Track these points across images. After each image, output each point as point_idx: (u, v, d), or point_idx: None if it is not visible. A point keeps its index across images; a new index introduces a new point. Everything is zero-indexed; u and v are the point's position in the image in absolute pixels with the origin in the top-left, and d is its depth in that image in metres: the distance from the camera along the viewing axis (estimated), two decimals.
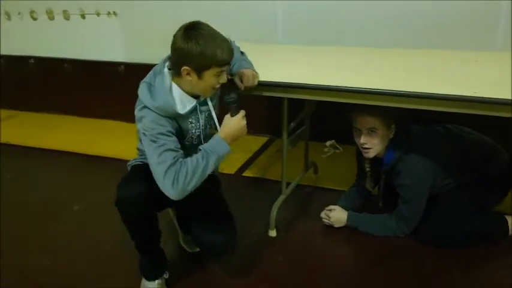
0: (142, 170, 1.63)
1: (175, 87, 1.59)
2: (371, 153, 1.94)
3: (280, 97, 1.93)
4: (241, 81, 1.79)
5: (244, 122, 1.63)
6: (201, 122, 1.68)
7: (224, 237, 1.71)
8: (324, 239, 2.11)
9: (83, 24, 3.58)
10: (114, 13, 3.47)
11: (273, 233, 2.10)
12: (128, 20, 3.47)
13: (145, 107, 1.54)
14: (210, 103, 1.69)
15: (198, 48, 1.47)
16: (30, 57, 3.91)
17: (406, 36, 2.70)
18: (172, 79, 1.60)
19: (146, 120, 1.53)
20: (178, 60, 1.52)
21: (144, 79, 1.62)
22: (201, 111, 1.67)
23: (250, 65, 1.87)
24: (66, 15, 3.63)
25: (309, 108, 2.33)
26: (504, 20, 2.51)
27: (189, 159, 1.51)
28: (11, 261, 1.99)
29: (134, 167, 1.75)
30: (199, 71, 1.52)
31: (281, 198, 2.17)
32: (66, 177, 2.85)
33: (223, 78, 1.58)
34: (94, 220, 2.32)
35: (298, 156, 2.50)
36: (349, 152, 2.32)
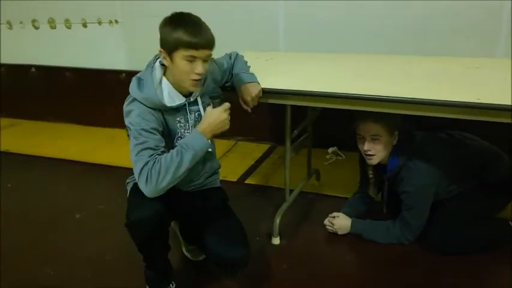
0: None
1: (165, 81, 1.58)
2: (374, 160, 1.94)
3: (283, 104, 1.93)
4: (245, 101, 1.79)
5: (225, 115, 1.58)
6: (190, 122, 1.64)
7: (244, 250, 1.64)
8: (327, 246, 2.10)
9: (85, 33, 3.60)
10: (116, 21, 3.49)
11: (276, 241, 2.09)
12: (129, 28, 3.48)
13: (134, 99, 1.52)
14: (199, 102, 1.66)
15: (168, 28, 1.49)
16: (31, 66, 3.92)
17: (407, 43, 2.71)
18: (164, 74, 1.59)
19: (133, 114, 1.51)
20: (160, 43, 1.53)
21: (137, 74, 1.61)
22: (190, 111, 1.63)
23: (251, 77, 1.84)
24: (68, 24, 3.64)
25: (312, 115, 2.33)
26: (505, 27, 2.52)
27: (163, 155, 1.47)
28: (13, 270, 1.98)
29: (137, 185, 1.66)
30: (169, 52, 1.51)
31: (284, 205, 2.16)
32: (68, 186, 2.84)
33: (199, 68, 1.51)
34: (96, 228, 2.31)
35: (301, 163, 2.50)
36: (351, 159, 2.32)
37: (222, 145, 3.17)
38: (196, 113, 1.66)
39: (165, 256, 1.73)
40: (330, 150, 3.05)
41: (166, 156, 1.47)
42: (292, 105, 1.95)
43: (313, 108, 2.27)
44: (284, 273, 1.91)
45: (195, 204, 1.76)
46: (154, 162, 1.45)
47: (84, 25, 3.59)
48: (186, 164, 1.48)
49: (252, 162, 2.96)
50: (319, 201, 2.47)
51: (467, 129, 2.09)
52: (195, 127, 1.62)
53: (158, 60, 1.60)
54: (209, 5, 3.13)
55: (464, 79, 1.92)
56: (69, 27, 3.65)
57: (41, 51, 3.85)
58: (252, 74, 1.87)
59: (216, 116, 1.57)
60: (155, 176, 1.44)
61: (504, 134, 2.07)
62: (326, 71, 2.14)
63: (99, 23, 3.53)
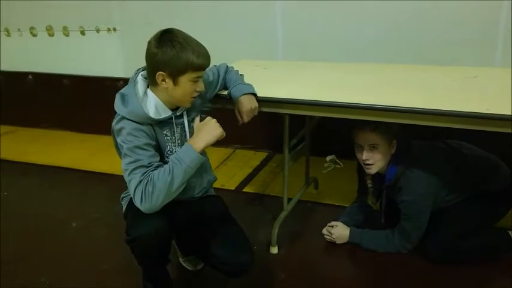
0: None
1: (151, 94, 1.54)
2: (373, 170, 1.93)
3: (281, 113, 1.93)
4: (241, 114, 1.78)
5: (213, 121, 1.55)
6: (176, 135, 1.61)
7: (249, 254, 1.63)
8: (326, 255, 2.09)
9: (83, 41, 3.60)
10: (114, 29, 3.49)
11: (274, 250, 2.08)
12: (127, 36, 3.49)
13: (121, 117, 1.50)
14: (185, 116, 1.63)
15: (172, 51, 1.44)
16: (28, 73, 3.92)
17: (405, 52, 2.72)
18: (149, 87, 1.56)
19: (124, 132, 1.49)
20: (153, 66, 1.48)
21: (120, 91, 1.58)
22: (176, 124, 1.61)
23: (249, 87, 1.83)
24: (66, 32, 3.65)
25: (310, 123, 2.32)
26: (502, 36, 2.53)
27: (155, 174, 1.44)
28: (8, 279, 1.96)
29: None
30: (174, 76, 1.48)
31: (283, 214, 2.15)
32: (64, 194, 2.83)
33: (201, 86, 1.54)
34: (92, 237, 2.30)
35: (299, 172, 2.49)
36: (349, 167, 2.32)
37: (220, 153, 3.16)
38: (181, 127, 1.64)
39: (165, 268, 1.71)
40: (328, 158, 3.05)
41: (159, 173, 1.44)
42: (289, 114, 1.94)
43: (310, 116, 2.26)
44: (282, 283, 1.89)
45: (195, 212, 1.74)
46: (147, 181, 1.42)
47: (82, 33, 3.59)
48: (178, 180, 1.45)
49: (250, 171, 2.95)
50: (318, 210, 2.46)
51: (464, 139, 2.09)
52: (180, 141, 1.61)
53: (140, 74, 1.58)
54: (207, 13, 3.14)
55: (462, 88, 1.92)
56: (67, 35, 3.65)
57: (38, 58, 3.85)
58: (249, 84, 1.86)
59: (203, 122, 1.55)
60: (149, 194, 1.42)
61: (502, 143, 2.06)
62: (324, 80, 2.14)
63: (97, 30, 3.53)
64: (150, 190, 1.41)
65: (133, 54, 3.52)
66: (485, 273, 1.89)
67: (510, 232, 1.99)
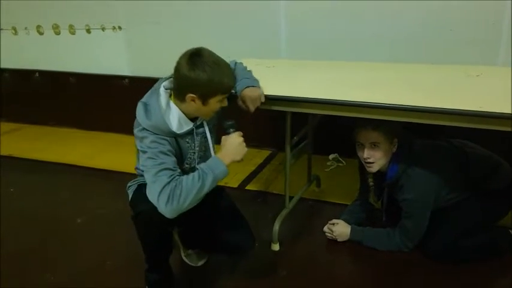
0: None
1: (174, 107, 1.59)
2: (374, 168, 1.94)
3: (284, 111, 1.94)
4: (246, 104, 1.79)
5: (241, 139, 1.61)
6: (196, 143, 1.67)
7: (251, 235, 1.78)
8: (327, 253, 2.10)
9: (89, 39, 3.63)
10: (119, 28, 3.52)
11: (276, 247, 2.09)
12: (132, 34, 3.51)
13: (144, 129, 1.54)
14: (206, 126, 1.69)
15: (204, 76, 1.48)
16: (35, 71, 3.95)
17: (408, 51, 2.72)
18: (173, 100, 1.60)
19: (147, 140, 1.53)
20: (184, 87, 1.53)
21: (142, 99, 1.62)
22: (197, 134, 1.67)
23: (254, 81, 1.85)
24: (72, 30, 3.68)
25: (313, 122, 2.33)
26: (506, 35, 2.52)
27: (184, 177, 1.48)
28: (13, 276, 1.98)
29: (142, 186, 1.67)
30: (204, 98, 1.53)
31: (284, 212, 2.16)
32: (69, 191, 2.85)
33: (225, 102, 1.61)
34: (97, 234, 2.32)
35: (302, 170, 2.50)
36: (352, 166, 2.32)
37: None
38: (202, 135, 1.70)
39: (167, 258, 1.76)
40: (331, 156, 3.06)
41: (187, 179, 1.47)
42: (292, 112, 1.96)
43: (313, 115, 2.27)
44: (283, 280, 1.90)
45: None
46: (176, 184, 1.45)
47: (88, 31, 3.62)
48: (206, 188, 1.50)
49: (253, 168, 2.97)
50: (319, 207, 2.47)
51: (467, 137, 2.09)
52: (199, 148, 1.68)
53: (162, 85, 1.61)
54: (211, 12, 3.16)
55: (465, 87, 1.92)
56: (73, 33, 3.68)
57: (45, 56, 3.89)
58: (255, 79, 1.87)
59: (231, 141, 1.61)
60: (177, 197, 1.44)
61: (505, 142, 2.07)
62: (327, 79, 2.15)
63: (103, 29, 3.56)
64: (178, 193, 1.44)
65: (138, 52, 3.56)
66: (486, 271, 1.89)
67: (511, 231, 1.99)
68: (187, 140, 1.64)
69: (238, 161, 1.60)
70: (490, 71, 2.19)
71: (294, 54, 3.02)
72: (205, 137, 1.70)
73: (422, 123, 1.66)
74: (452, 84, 1.96)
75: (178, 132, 1.57)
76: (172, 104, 1.59)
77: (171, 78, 1.60)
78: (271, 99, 1.84)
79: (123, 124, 3.66)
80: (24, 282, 1.96)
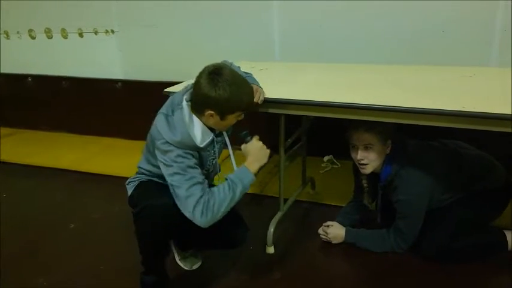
0: (156, 185, 1.70)
1: (196, 121, 1.62)
2: (368, 169, 1.94)
3: (277, 113, 1.93)
4: None
5: (260, 143, 1.70)
6: (216, 150, 1.74)
7: (245, 228, 1.82)
8: (322, 255, 2.10)
9: (81, 43, 3.62)
10: (112, 31, 3.51)
11: (270, 250, 2.09)
12: (125, 37, 3.50)
13: (169, 143, 1.56)
14: (225, 134, 1.75)
15: (225, 95, 1.52)
16: (28, 76, 3.93)
17: (401, 53, 2.73)
18: (193, 113, 1.63)
19: (172, 154, 1.56)
20: (203, 104, 1.56)
21: (161, 109, 1.64)
22: (216, 142, 1.72)
23: (255, 81, 1.89)
24: (65, 34, 3.66)
25: (306, 124, 2.33)
26: (499, 36, 2.54)
27: (216, 190, 1.56)
28: (6, 281, 1.97)
29: (145, 183, 1.75)
30: (223, 115, 1.58)
31: (279, 214, 2.16)
32: (63, 195, 2.84)
33: (242, 116, 1.65)
34: (90, 238, 2.30)
35: (296, 172, 2.50)
36: (347, 167, 2.32)
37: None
38: (221, 142, 1.76)
39: (164, 260, 1.77)
40: (326, 158, 3.06)
41: (219, 191, 1.55)
42: (285, 114, 1.96)
43: (307, 116, 2.27)
44: (278, 283, 1.90)
45: None
46: (209, 198, 1.53)
47: (81, 35, 3.61)
48: (237, 198, 1.58)
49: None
50: (314, 210, 2.46)
51: (461, 138, 2.09)
52: (218, 154, 1.76)
53: (185, 98, 1.63)
54: (203, 15, 3.15)
55: (458, 88, 1.93)
56: (65, 37, 3.67)
57: (37, 61, 3.87)
58: (256, 79, 1.90)
59: (253, 147, 1.68)
60: (211, 210, 1.52)
61: (498, 142, 2.07)
62: (320, 81, 2.16)
63: (95, 32, 3.55)
64: (212, 205, 1.53)
65: (131, 55, 3.55)
66: (481, 272, 1.89)
67: (505, 231, 1.99)
68: (208, 149, 1.68)
69: (265, 164, 1.70)
70: (483, 71, 2.20)
71: (287, 57, 3.02)
72: (225, 143, 1.77)
73: (415, 124, 1.66)
74: (445, 85, 1.97)
75: (201, 146, 1.62)
76: (194, 118, 1.63)
77: (191, 90, 1.62)
78: (264, 102, 1.84)
79: (117, 128, 3.70)
80: (16, 286, 1.95)
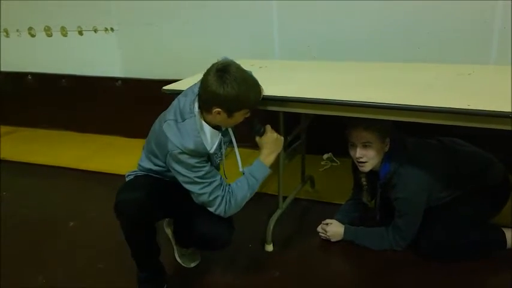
0: (143, 180, 1.72)
1: (206, 127, 1.64)
2: (366, 167, 1.94)
3: (277, 111, 1.93)
4: None
5: (274, 134, 1.77)
6: (223, 151, 1.79)
7: (229, 230, 1.78)
8: (320, 253, 2.10)
9: (81, 41, 3.62)
10: (112, 29, 3.50)
11: (269, 248, 2.09)
12: (125, 35, 3.50)
13: (182, 152, 1.56)
14: (231, 132, 1.78)
15: (233, 92, 1.52)
16: (28, 74, 3.93)
17: (399, 50, 2.72)
18: (202, 117, 1.63)
19: (187, 165, 1.59)
20: (211, 101, 1.57)
21: (168, 116, 1.63)
22: (224, 143, 1.75)
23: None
24: (64, 32, 3.66)
25: (305, 122, 2.33)
26: (497, 33, 2.53)
27: (235, 188, 1.68)
28: (5, 279, 1.97)
29: (137, 178, 1.77)
30: (230, 112, 1.58)
31: (278, 212, 2.16)
32: (62, 194, 2.84)
33: (248, 114, 1.66)
34: (89, 237, 2.31)
35: (296, 170, 2.50)
36: (346, 165, 2.32)
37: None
38: (227, 144, 1.81)
39: (155, 256, 1.77)
40: (325, 156, 3.06)
41: (238, 188, 1.68)
42: (284, 112, 1.95)
43: (306, 114, 2.27)
44: (276, 281, 1.90)
45: (180, 188, 1.74)
46: (230, 197, 1.66)
47: (80, 33, 3.61)
48: (253, 192, 1.73)
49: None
50: (314, 207, 2.47)
51: (458, 136, 2.09)
52: (225, 146, 1.80)
53: (195, 105, 1.63)
54: (203, 13, 3.15)
55: (456, 86, 1.93)
56: (65, 35, 3.66)
57: (37, 59, 3.87)
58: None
59: (268, 139, 1.76)
60: (233, 206, 1.67)
61: (496, 140, 2.07)
62: (319, 79, 2.15)
63: (95, 30, 3.55)
64: (233, 202, 1.66)
65: (131, 53, 3.55)
66: (480, 270, 1.89)
67: (504, 229, 1.99)
68: (216, 152, 1.71)
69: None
70: (481, 69, 2.20)
71: (287, 55, 3.02)
72: (230, 142, 1.80)
73: (413, 122, 1.66)
74: (443, 83, 1.96)
75: (212, 152, 1.65)
76: (204, 124, 1.63)
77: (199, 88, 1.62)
78: (263, 99, 1.84)
79: (116, 126, 3.70)
80: (16, 285, 1.95)
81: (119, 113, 3.64)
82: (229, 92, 1.52)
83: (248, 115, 1.67)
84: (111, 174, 2.94)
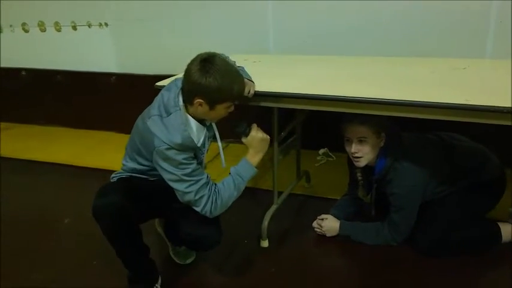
0: (122, 183, 1.69)
1: (191, 119, 1.61)
2: (362, 162, 1.93)
3: (270, 107, 1.92)
4: None
5: (260, 134, 1.72)
6: (207, 146, 1.75)
7: (217, 229, 1.74)
8: (316, 248, 2.10)
9: (75, 36, 3.59)
10: (106, 24, 3.48)
11: (265, 244, 2.09)
12: (119, 31, 3.48)
13: (170, 148, 1.53)
14: (215, 127, 1.76)
15: (215, 83, 1.50)
16: (22, 69, 3.91)
17: (395, 45, 2.71)
18: (184, 103, 1.61)
19: (174, 162, 1.55)
20: (193, 91, 1.54)
21: (152, 112, 1.59)
22: (208, 138, 1.72)
23: (247, 75, 1.87)
24: (58, 27, 3.63)
25: (300, 117, 2.32)
26: (493, 27, 2.52)
27: (222, 188, 1.64)
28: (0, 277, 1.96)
29: (120, 180, 1.74)
30: (212, 104, 1.56)
31: (273, 208, 2.16)
32: (58, 190, 2.83)
33: (232, 108, 1.63)
34: (84, 233, 2.29)
35: (291, 165, 2.49)
36: (342, 160, 2.32)
37: (212, 147, 3.15)
38: (211, 139, 1.77)
39: (143, 257, 1.73)
40: (321, 151, 3.05)
41: (224, 188, 1.65)
42: (279, 108, 1.94)
43: (300, 110, 2.26)
44: (272, 276, 1.90)
45: (166, 189, 1.71)
46: (216, 197, 1.62)
47: (74, 28, 3.58)
48: (241, 191, 1.70)
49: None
50: (309, 203, 2.46)
51: (456, 130, 2.09)
52: (208, 141, 1.75)
53: (181, 99, 1.60)
54: (197, 7, 3.13)
55: (451, 80, 1.92)
56: (59, 30, 3.63)
57: (31, 54, 3.84)
58: (248, 73, 1.88)
59: (253, 140, 1.72)
60: (219, 206, 1.63)
61: (492, 134, 2.07)
62: (314, 74, 2.14)
63: (89, 25, 3.52)
64: (220, 202, 1.63)
65: (125, 49, 3.52)
66: (475, 264, 1.89)
67: (500, 223, 1.99)
68: (201, 147, 1.68)
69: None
70: (476, 63, 2.19)
71: (281, 49, 3.00)
72: (213, 136, 1.77)
73: (409, 117, 1.65)
74: (438, 77, 1.96)
75: (199, 145, 1.64)
76: (189, 118, 1.61)
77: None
78: (257, 95, 1.83)
79: (111, 122, 3.68)
80: (11, 282, 1.94)
81: (114, 109, 3.62)
82: (211, 82, 1.49)
83: (232, 109, 1.63)
84: (107, 171, 2.91)
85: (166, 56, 3.29)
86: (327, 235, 2.10)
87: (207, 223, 1.69)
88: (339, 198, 2.30)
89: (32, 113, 3.99)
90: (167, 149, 1.53)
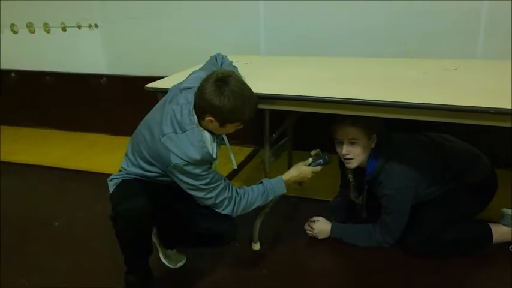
0: (138, 184, 1.68)
1: (206, 134, 1.64)
2: (353, 164, 1.93)
3: (262, 108, 1.91)
4: None
5: (310, 175, 1.87)
6: (216, 151, 1.74)
7: (234, 224, 1.77)
8: (308, 251, 2.09)
9: (64, 37, 3.55)
10: (96, 25, 3.45)
11: (256, 246, 2.07)
12: (109, 32, 3.45)
13: (188, 163, 1.55)
14: (225, 137, 1.79)
15: (228, 105, 1.52)
16: (10, 71, 3.86)
17: (386, 46, 2.72)
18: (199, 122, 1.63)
19: (193, 175, 1.58)
20: (205, 109, 1.56)
21: (166, 130, 1.58)
22: (218, 143, 1.75)
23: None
24: (47, 28, 3.59)
25: (291, 118, 2.31)
26: (484, 28, 2.53)
27: (250, 192, 1.72)
28: None
29: (126, 182, 1.71)
30: (223, 122, 1.59)
31: (264, 210, 2.14)
32: (47, 193, 2.80)
33: (241, 126, 1.66)
34: (74, 237, 2.27)
35: (283, 167, 2.48)
36: (334, 162, 2.31)
37: None
38: (219, 138, 1.77)
39: (147, 259, 1.74)
40: (313, 152, 3.02)
41: (253, 193, 1.73)
42: (270, 109, 1.93)
43: (290, 111, 2.25)
44: (263, 279, 1.89)
45: (178, 191, 1.73)
46: (240, 198, 1.70)
47: (64, 29, 3.54)
48: (264, 202, 1.77)
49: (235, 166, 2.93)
50: (301, 205, 2.46)
51: (446, 131, 2.09)
52: (218, 146, 1.76)
53: (195, 116, 1.61)
54: (188, 8, 3.12)
55: (441, 81, 1.92)
56: (48, 32, 3.59)
57: (20, 56, 3.80)
58: (237, 69, 1.92)
59: (303, 173, 1.87)
60: (241, 208, 1.71)
61: (483, 135, 2.08)
62: (305, 75, 2.13)
63: (79, 27, 3.48)
64: (243, 204, 1.71)
65: (115, 50, 3.50)
66: (467, 265, 1.90)
67: (490, 224, 2.00)
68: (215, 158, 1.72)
69: None
70: (467, 64, 2.19)
71: (272, 51, 3.00)
72: (222, 141, 1.79)
73: (401, 118, 1.65)
74: (428, 78, 1.95)
75: (215, 157, 1.66)
76: (204, 131, 1.63)
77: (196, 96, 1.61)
78: None
79: (101, 124, 3.65)
80: (0, 286, 1.91)
81: (103, 111, 3.60)
82: (225, 104, 1.52)
83: (241, 127, 1.66)
84: (97, 173, 2.90)
85: (157, 57, 3.28)
86: (318, 237, 2.10)
87: (225, 219, 1.72)
88: (330, 200, 2.29)
89: (21, 116, 3.95)
90: (185, 165, 1.56)
